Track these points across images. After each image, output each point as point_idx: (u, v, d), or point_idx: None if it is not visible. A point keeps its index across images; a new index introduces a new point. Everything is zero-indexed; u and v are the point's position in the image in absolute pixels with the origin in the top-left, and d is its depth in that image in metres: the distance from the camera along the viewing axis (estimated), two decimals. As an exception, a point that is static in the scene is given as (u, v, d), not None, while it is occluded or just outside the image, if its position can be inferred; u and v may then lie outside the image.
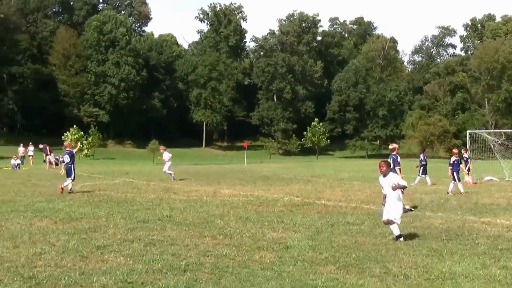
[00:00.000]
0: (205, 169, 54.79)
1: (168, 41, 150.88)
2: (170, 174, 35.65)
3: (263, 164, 72.67)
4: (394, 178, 13.54)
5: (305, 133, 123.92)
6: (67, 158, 25.61)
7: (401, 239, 13.23)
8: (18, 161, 55.69)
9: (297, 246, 12.29)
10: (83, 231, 13.97)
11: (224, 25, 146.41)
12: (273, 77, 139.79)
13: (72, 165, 25.34)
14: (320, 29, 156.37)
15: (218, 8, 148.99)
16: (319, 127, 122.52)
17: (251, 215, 17.52)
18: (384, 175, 13.61)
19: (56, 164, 57.49)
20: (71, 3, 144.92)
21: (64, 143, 29.30)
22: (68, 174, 25.23)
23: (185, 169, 50.34)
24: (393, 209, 13.34)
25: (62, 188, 24.70)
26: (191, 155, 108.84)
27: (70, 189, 24.91)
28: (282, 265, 10.51)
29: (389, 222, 13.32)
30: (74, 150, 26.64)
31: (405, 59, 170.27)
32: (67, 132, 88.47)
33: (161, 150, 38.37)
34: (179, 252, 11.58)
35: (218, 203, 21.34)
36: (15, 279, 9.11)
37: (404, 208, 14.74)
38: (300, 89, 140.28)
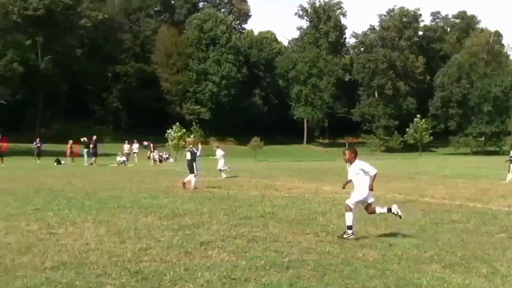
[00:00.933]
0: (307, 166, 54.73)
1: (268, 38, 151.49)
2: (225, 169, 35.54)
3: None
4: (360, 165, 13.32)
5: (407, 129, 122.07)
6: (188, 156, 26.40)
7: (350, 231, 12.93)
8: (124, 158, 57.15)
9: (400, 244, 12.13)
10: (187, 227, 14.20)
11: (323, 21, 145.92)
12: (374, 73, 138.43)
13: (194, 162, 26.09)
14: (421, 24, 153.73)
15: (317, 5, 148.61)
16: (422, 123, 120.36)
17: (353, 213, 17.43)
18: (350, 162, 13.52)
19: (160, 161, 58.79)
20: (172, 2, 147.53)
21: (187, 140, 29.96)
22: (191, 171, 25.98)
23: (286, 166, 50.47)
24: (353, 193, 13.21)
25: (184, 184, 25.68)
26: (292, 152, 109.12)
27: (194, 186, 25.64)
28: (386, 263, 10.41)
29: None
30: (190, 146, 27.29)
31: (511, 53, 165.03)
32: (170, 130, 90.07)
33: (214, 147, 38.57)
34: (281, 249, 11.62)
35: (320, 200, 21.29)
36: (122, 273, 9.36)
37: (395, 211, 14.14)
38: (402, 85, 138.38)
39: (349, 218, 13.00)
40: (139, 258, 10.48)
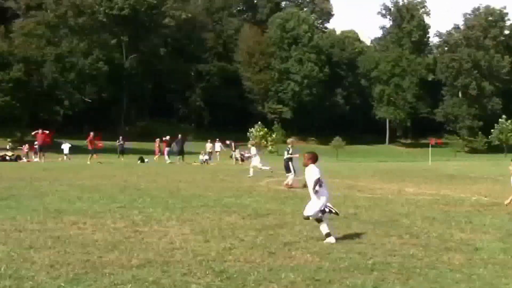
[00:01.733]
0: (389, 167, 54.17)
1: (350, 37, 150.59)
2: (262, 168, 35.28)
3: (449, 162, 70.84)
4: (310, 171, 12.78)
5: (492, 130, 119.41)
6: (285, 155, 26.78)
7: (330, 238, 12.44)
8: (206, 157, 57.74)
9: (487, 248, 11.86)
10: (270, 227, 14.22)
11: (407, 21, 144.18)
12: (458, 73, 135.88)
13: (290, 162, 26.54)
14: (508, 23, 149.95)
15: (400, 3, 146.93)
16: (507, 124, 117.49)
17: (437, 215, 17.12)
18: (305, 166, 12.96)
19: (242, 160, 59.12)
20: (255, 1, 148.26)
21: (287, 140, 30.13)
22: (287, 170, 26.36)
23: (368, 167, 50.10)
24: (309, 204, 12.75)
25: (287, 185, 26.01)
26: (374, 152, 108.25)
27: (290, 185, 25.88)
28: (472, 267, 10.19)
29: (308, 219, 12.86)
30: (289, 146, 27.54)
31: None
32: (252, 129, 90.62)
33: (249, 145, 38.38)
34: (365, 250, 11.52)
35: (403, 201, 21.03)
36: (207, 272, 9.44)
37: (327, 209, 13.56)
38: (487, 85, 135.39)
39: (323, 227, 12.68)
40: (223, 258, 10.55)
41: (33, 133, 56.60)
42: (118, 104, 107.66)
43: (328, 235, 12.55)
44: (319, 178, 12.58)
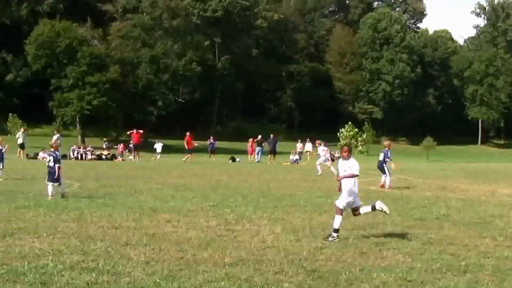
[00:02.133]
0: (481, 167, 52.92)
1: (443, 37, 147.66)
2: (318, 167, 34.94)
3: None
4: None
5: None
6: (381, 157, 26.76)
7: (335, 235, 12.31)
8: (296, 157, 57.73)
9: None
10: (361, 227, 14.14)
11: (502, 20, 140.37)
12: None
13: (384, 163, 26.48)
14: None
15: (496, 2, 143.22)
16: None
17: (533, 217, 16.68)
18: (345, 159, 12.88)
19: (332, 160, 58.79)
20: (347, 1, 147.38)
21: (384, 143, 29.99)
22: (382, 171, 26.53)
23: (460, 167, 49.14)
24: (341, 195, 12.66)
25: (382, 185, 26.17)
26: (466, 153, 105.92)
27: (388, 185, 25.95)
28: None
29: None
30: (386, 149, 27.33)
31: None
32: (342, 129, 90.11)
33: (317, 144, 37.89)
34: (458, 252, 11.34)
35: (496, 203, 20.56)
36: (298, 271, 9.46)
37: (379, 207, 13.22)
38: None
39: (336, 221, 12.64)
40: (315, 257, 10.55)
41: (128, 133, 57.84)
42: (210, 105, 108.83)
43: (335, 231, 12.60)
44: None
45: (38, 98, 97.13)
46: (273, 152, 54.64)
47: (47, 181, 19.49)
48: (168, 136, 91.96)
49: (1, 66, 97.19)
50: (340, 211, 12.66)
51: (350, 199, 12.80)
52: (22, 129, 55.26)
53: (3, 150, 27.76)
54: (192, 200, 19.08)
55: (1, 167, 26.65)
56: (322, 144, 37.84)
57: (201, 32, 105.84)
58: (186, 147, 51.51)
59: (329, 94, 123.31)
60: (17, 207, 16.49)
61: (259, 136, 56.65)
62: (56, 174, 19.33)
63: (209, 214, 15.78)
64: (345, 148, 13.27)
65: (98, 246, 11.11)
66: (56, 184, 19.37)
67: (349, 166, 12.88)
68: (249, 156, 58.67)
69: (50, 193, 19.25)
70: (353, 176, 12.75)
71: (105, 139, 65.03)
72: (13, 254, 10.27)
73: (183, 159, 49.45)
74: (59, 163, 19.80)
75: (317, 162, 36.01)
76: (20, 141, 52.12)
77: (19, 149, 51.69)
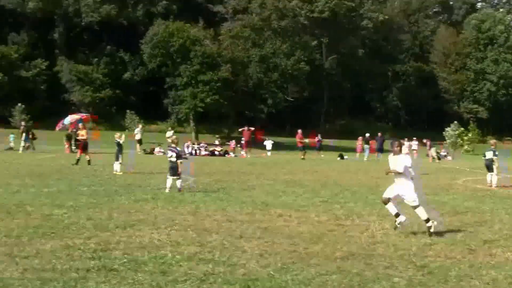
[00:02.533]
0: None
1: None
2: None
3: None
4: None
5: None
6: (489, 155, 26.04)
7: (430, 223, 12.23)
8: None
9: None
10: (469, 225, 13.86)
11: None
12: None
13: (492, 162, 25.78)
14: None
15: None
16: None
17: None
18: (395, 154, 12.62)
19: (439, 159, 57.84)
20: (451, 2, 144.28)
21: (490, 142, 29.35)
22: (490, 170, 25.85)
23: None
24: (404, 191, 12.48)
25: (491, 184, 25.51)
26: None
27: (495, 184, 25.37)
28: None
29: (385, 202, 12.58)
30: (493, 147, 26.68)
31: None
32: (448, 128, 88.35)
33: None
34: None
35: None
36: (408, 266, 9.36)
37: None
38: None
39: (421, 213, 12.66)
40: (424, 253, 10.42)
41: (240, 130, 58.52)
42: (318, 103, 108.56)
43: (427, 220, 12.59)
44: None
45: (153, 95, 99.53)
46: (381, 150, 54.22)
47: (169, 175, 19.88)
48: (278, 134, 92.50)
49: (119, 65, 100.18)
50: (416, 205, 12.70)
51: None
52: (140, 126, 56.80)
53: (121, 142, 28.45)
54: (303, 196, 19.13)
55: (120, 162, 27.34)
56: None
57: (308, 32, 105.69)
58: (298, 144, 51.65)
59: (434, 94, 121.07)
60: (136, 200, 16.94)
61: (367, 135, 56.34)
62: (178, 169, 19.72)
63: (319, 210, 15.79)
64: (396, 143, 13.33)
65: (214, 238, 11.30)
66: (175, 177, 19.73)
67: (395, 163, 12.92)
68: (357, 154, 58.33)
69: (168, 186, 19.69)
70: (396, 172, 12.68)
71: (217, 136, 65.99)
72: (134, 245, 10.57)
73: (302, 157, 49.75)
74: (181, 159, 20.22)
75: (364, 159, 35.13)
76: (138, 137, 53.64)
77: (138, 144, 53.22)
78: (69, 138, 47.64)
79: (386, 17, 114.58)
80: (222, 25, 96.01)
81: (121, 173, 26.51)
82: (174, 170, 19.65)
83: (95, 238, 11.04)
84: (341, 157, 55.72)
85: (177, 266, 9.02)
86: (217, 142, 61.88)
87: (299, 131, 52.29)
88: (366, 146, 55.52)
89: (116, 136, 28.65)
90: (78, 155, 33.24)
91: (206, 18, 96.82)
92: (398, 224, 12.66)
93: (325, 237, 11.65)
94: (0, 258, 9.30)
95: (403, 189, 12.68)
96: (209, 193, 19.34)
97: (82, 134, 34.69)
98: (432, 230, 12.25)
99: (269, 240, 11.19)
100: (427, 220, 12.44)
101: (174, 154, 19.88)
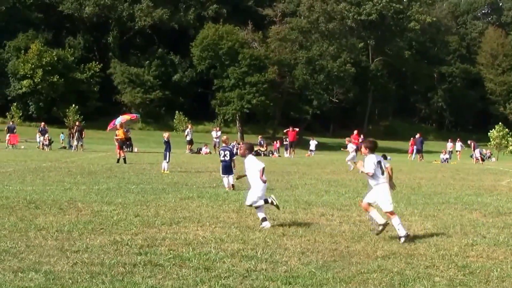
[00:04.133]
0: None
1: None
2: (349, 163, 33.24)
3: None
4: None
5: None
6: None
7: (265, 223, 12.41)
8: (447, 156, 56.54)
9: None
10: (512, 226, 13.63)
11: None
12: None
13: None
14: None
15: None
16: None
17: None
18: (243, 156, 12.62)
19: (483, 160, 57.02)
20: (500, 4, 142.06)
21: None
22: None
23: None
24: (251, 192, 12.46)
25: None
26: None
27: None
28: None
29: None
30: None
31: None
32: (493, 129, 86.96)
33: (347, 141, 36.10)
34: None
35: None
36: (449, 266, 9.24)
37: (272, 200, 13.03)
38: None
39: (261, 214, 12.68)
40: (465, 253, 10.26)
41: (284, 131, 58.52)
42: (362, 104, 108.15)
43: (264, 219, 12.49)
44: (264, 167, 12.95)
45: (201, 97, 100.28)
46: (419, 151, 53.83)
47: (223, 174, 20.39)
48: (322, 134, 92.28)
49: (169, 67, 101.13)
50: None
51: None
52: (189, 126, 57.25)
53: (166, 139, 28.62)
54: (345, 195, 19.05)
55: (167, 161, 27.54)
56: (351, 141, 36.33)
57: (355, 34, 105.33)
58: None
59: (480, 95, 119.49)
60: (182, 198, 17.07)
61: (417, 135, 56.14)
62: (233, 166, 20.45)
63: (361, 209, 15.66)
64: (243, 146, 13.41)
65: (257, 236, 11.32)
66: (231, 175, 20.10)
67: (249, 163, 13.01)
68: (409, 155, 57.97)
69: (226, 185, 20.18)
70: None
71: (260, 136, 66.09)
72: (179, 241, 10.65)
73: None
74: (233, 157, 20.96)
75: (347, 159, 34.54)
76: (188, 137, 54.08)
77: (188, 145, 53.66)
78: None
79: (434, 19, 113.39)
80: (270, 28, 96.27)
81: (168, 172, 26.73)
82: (228, 169, 20.20)
83: (142, 234, 11.17)
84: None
85: (220, 263, 9.06)
86: (261, 142, 61.89)
87: (355, 131, 52.14)
88: (415, 147, 55.54)
89: (164, 135, 28.89)
90: (118, 154, 33.80)
91: (255, 21, 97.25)
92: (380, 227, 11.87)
93: (367, 236, 11.58)
94: (52, 252, 9.46)
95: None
96: (253, 192, 19.38)
97: (119, 133, 35.46)
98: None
99: (311, 238, 11.18)
100: (385, 224, 11.53)
101: (228, 153, 20.47)
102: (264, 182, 12.99)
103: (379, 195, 11.61)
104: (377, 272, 8.70)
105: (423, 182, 26.03)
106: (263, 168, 13.02)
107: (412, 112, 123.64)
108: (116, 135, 35.77)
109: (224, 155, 20.47)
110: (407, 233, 11.23)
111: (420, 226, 13.06)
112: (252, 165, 13.09)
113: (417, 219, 14.26)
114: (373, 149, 11.90)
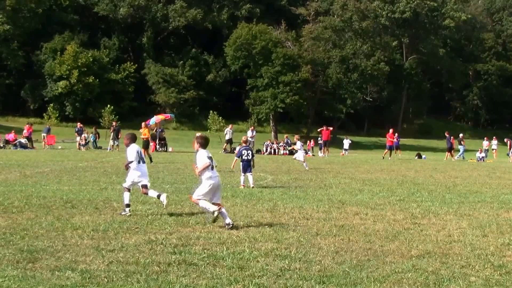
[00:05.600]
0: None
1: None
2: (300, 161, 32.53)
3: None
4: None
5: None
6: None
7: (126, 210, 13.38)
8: (483, 154, 55.84)
9: None
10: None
11: None
12: None
13: None
14: None
15: None
16: None
17: None
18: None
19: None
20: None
21: None
22: None
23: None
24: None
25: None
26: None
27: None
28: None
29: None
30: None
31: None
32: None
33: (296, 139, 35.24)
34: None
35: None
36: (485, 266, 9.15)
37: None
38: None
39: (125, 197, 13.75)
40: (502, 253, 10.15)
41: (318, 130, 58.38)
42: (396, 103, 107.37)
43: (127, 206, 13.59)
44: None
45: (235, 96, 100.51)
46: (450, 149, 53.34)
47: (246, 172, 20.89)
48: (356, 133, 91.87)
49: (203, 67, 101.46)
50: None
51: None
52: (229, 126, 57.39)
53: None
54: (379, 194, 18.94)
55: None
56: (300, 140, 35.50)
57: (389, 33, 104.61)
58: (388, 143, 51.20)
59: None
60: (217, 197, 17.14)
61: (460, 135, 55.70)
62: (253, 165, 21.31)
63: (395, 208, 15.61)
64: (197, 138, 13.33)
65: (291, 235, 11.31)
66: (249, 174, 20.83)
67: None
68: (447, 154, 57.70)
69: (251, 183, 20.62)
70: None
71: (286, 135, 65.99)
72: (213, 240, 10.69)
73: (389, 157, 49.31)
74: (254, 156, 21.76)
75: (296, 157, 33.89)
76: (227, 136, 54.26)
77: (226, 144, 53.83)
78: (154, 138, 48.64)
79: (469, 16, 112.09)
80: (304, 27, 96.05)
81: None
82: (249, 167, 20.92)
83: (176, 234, 11.24)
84: (419, 156, 54.88)
85: (254, 262, 9.08)
86: (288, 141, 61.72)
87: (391, 130, 51.80)
88: (460, 146, 55.06)
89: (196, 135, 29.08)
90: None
91: (288, 20, 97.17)
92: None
93: (401, 235, 11.51)
94: (87, 251, 9.57)
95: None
96: (286, 191, 19.41)
97: (145, 133, 35.75)
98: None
99: (345, 238, 11.15)
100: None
101: (250, 152, 21.21)
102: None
103: (203, 186, 12.57)
104: (411, 271, 8.65)
105: (458, 181, 25.79)
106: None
107: (447, 110, 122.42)
108: (143, 135, 35.99)
109: (247, 155, 21.13)
110: (213, 210, 12.22)
111: (455, 225, 12.94)
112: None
113: (452, 218, 14.14)
114: (204, 145, 12.93)
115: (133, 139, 14.69)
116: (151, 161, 32.71)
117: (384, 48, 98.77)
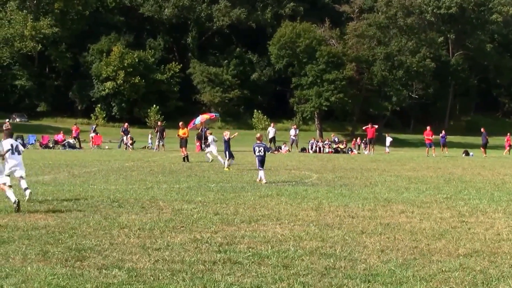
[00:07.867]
0: None
1: None
2: (212, 155, 32.71)
3: None
4: None
5: None
6: None
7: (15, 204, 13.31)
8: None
9: None
10: None
11: None
12: None
13: None
14: None
15: None
16: None
17: None
18: None
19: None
20: None
21: None
22: None
23: None
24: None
25: None
26: None
27: None
28: None
29: None
30: None
31: None
32: None
33: (208, 134, 34.59)
34: None
35: None
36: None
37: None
38: None
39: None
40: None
41: (363, 127, 57.99)
42: (443, 100, 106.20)
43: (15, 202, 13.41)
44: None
45: (279, 95, 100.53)
46: (485, 146, 52.45)
47: (259, 167, 21.81)
48: (401, 130, 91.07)
49: (247, 66, 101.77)
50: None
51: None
52: (272, 125, 57.46)
53: (226, 139, 28.66)
54: (425, 192, 18.71)
55: (227, 158, 27.76)
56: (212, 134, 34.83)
57: (435, 29, 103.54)
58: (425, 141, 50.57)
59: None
60: (261, 196, 17.11)
61: (482, 130, 54.90)
62: (264, 161, 22.13)
63: (442, 206, 15.40)
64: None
65: (336, 233, 11.24)
66: (262, 169, 21.66)
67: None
68: (504, 151, 56.89)
69: (264, 178, 21.38)
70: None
71: (332, 134, 65.71)
72: (258, 239, 10.68)
73: (428, 154, 48.71)
74: (268, 152, 23.25)
75: (208, 151, 33.65)
76: (270, 135, 54.28)
77: (270, 142, 53.82)
78: (199, 137, 48.92)
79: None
80: (348, 25, 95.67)
81: (228, 169, 26.88)
82: (263, 163, 21.79)
83: (221, 232, 11.26)
84: (466, 153, 54.10)
85: (299, 260, 9.05)
86: (337, 139, 61.46)
87: (428, 127, 51.17)
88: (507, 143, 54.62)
89: (224, 134, 29.08)
90: (182, 153, 34.29)
91: (332, 18, 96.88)
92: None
93: (448, 234, 11.34)
94: (134, 250, 9.65)
95: None
96: (331, 189, 19.28)
97: (184, 132, 35.86)
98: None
99: (390, 236, 11.03)
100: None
101: (263, 149, 22.11)
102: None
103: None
104: (459, 270, 8.51)
105: (507, 179, 25.33)
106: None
107: (495, 106, 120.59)
108: (182, 134, 36.07)
109: (259, 151, 21.99)
110: (16, 200, 13.25)
111: (504, 224, 12.70)
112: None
113: (501, 216, 13.89)
114: (8, 135, 14.85)
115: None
116: (187, 160, 32.84)
117: (429, 44, 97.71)
